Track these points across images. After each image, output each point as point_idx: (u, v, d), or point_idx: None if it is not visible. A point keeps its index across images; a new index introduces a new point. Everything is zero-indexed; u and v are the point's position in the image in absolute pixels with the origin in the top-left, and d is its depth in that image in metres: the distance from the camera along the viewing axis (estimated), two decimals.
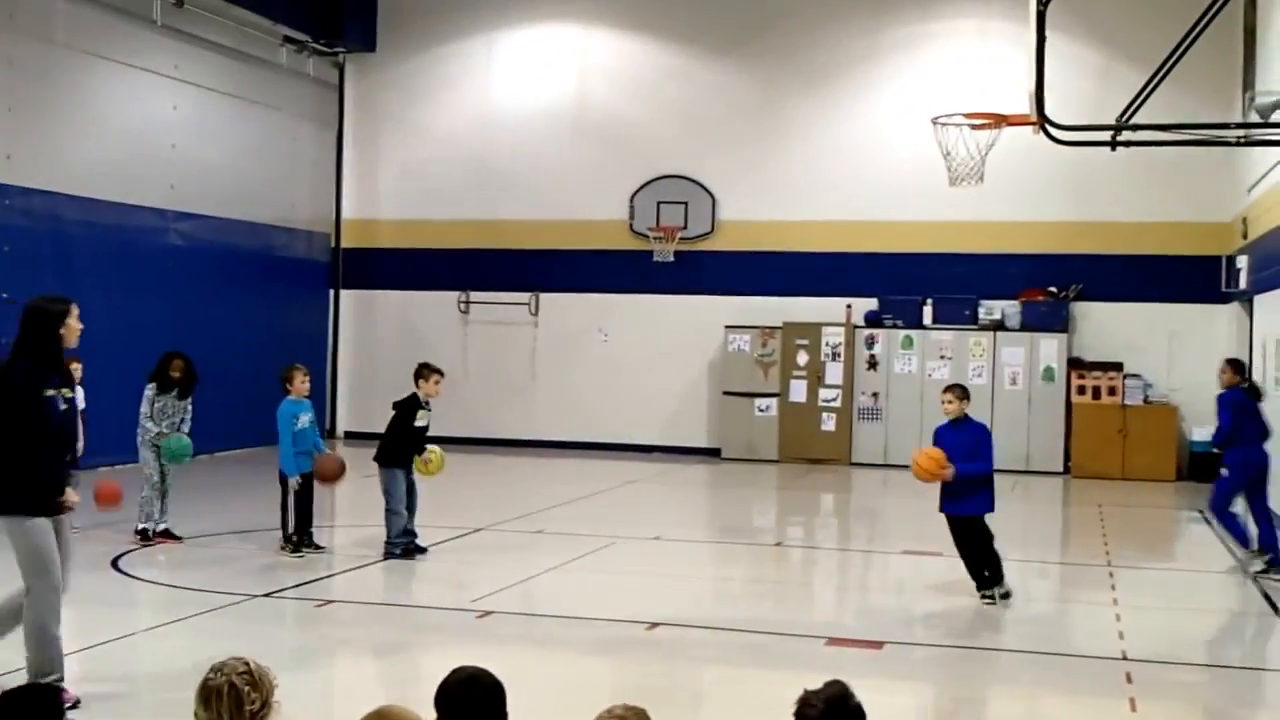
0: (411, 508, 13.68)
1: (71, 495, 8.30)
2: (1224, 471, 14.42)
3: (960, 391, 12.30)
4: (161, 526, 14.14)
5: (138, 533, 13.97)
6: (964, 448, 11.89)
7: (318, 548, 13.68)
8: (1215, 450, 14.77)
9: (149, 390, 14.13)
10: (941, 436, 12.21)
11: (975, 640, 10.97)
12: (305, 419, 13.56)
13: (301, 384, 13.73)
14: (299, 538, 13.50)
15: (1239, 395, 14.40)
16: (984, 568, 11.97)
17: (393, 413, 13.97)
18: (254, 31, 24.33)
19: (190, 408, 14.29)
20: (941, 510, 12.09)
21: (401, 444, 13.73)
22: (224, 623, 10.62)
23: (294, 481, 13.51)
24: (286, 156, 25.80)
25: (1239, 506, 14.51)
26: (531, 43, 26.33)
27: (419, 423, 13.79)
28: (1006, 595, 11.97)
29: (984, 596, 11.93)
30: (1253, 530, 14.32)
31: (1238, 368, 14.79)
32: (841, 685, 4.22)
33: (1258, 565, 13.80)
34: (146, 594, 12.03)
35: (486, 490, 20.09)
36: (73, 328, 8.44)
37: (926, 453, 12.03)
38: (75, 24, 20.49)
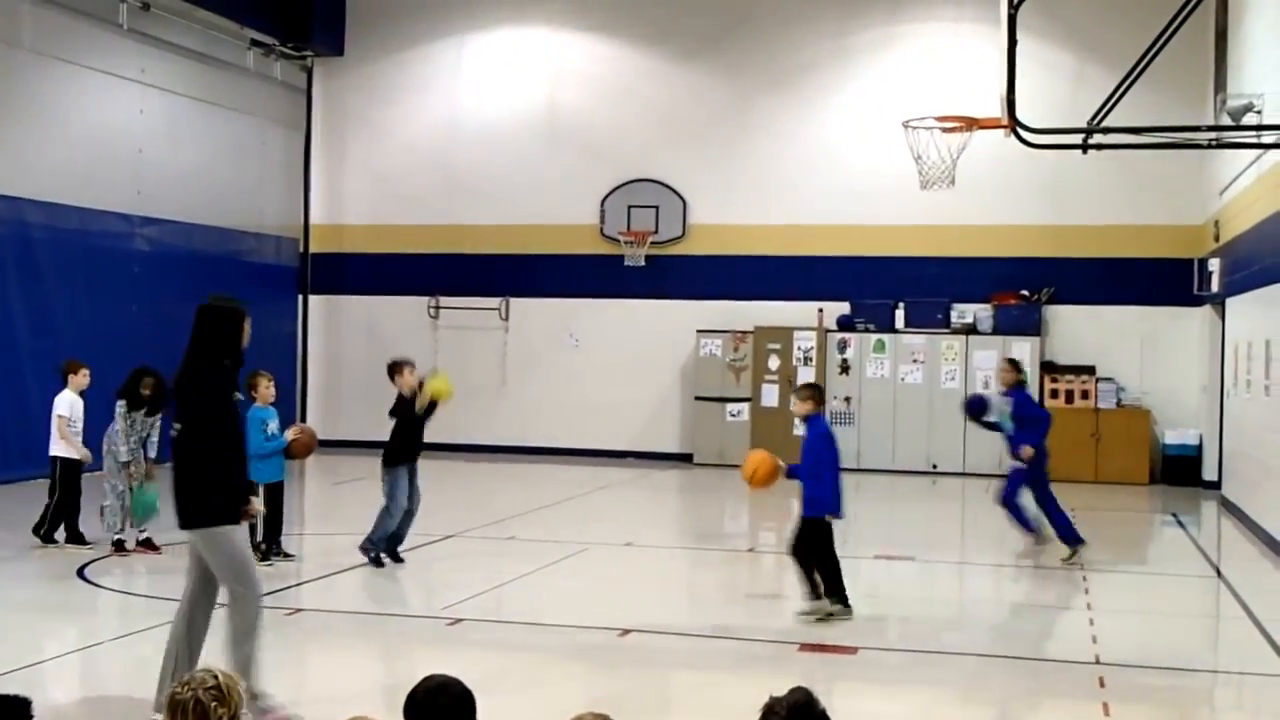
0: (412, 510, 13.59)
1: (256, 504, 8.26)
2: (1019, 465, 14.94)
3: (807, 391, 11.97)
4: (143, 536, 14.02)
5: (114, 544, 13.85)
6: (804, 447, 11.69)
7: (287, 556, 13.62)
8: (1012, 450, 15.19)
9: (120, 407, 13.98)
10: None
11: (949, 645, 10.98)
12: (273, 426, 13.48)
13: (266, 390, 13.65)
14: (268, 546, 13.44)
15: (1024, 393, 15.18)
16: (812, 575, 11.48)
17: (392, 421, 13.84)
18: (221, 35, 24.26)
19: (159, 423, 14.20)
20: None
21: (406, 443, 13.61)
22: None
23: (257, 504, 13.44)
24: (254, 161, 25.72)
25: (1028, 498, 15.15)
26: (501, 46, 26.31)
27: (419, 412, 13.70)
28: (828, 616, 11.34)
29: (802, 612, 11.46)
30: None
31: (1018, 367, 15.39)
32: (805, 691, 4.21)
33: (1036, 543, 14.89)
34: (113, 603, 11.96)
35: (457, 496, 20.04)
36: (247, 330, 8.39)
37: (752, 456, 11.88)
38: (40, 27, 20.40)
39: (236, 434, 8.05)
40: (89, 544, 14.00)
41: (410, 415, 13.70)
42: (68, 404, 14.18)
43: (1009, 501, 15.18)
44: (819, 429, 11.69)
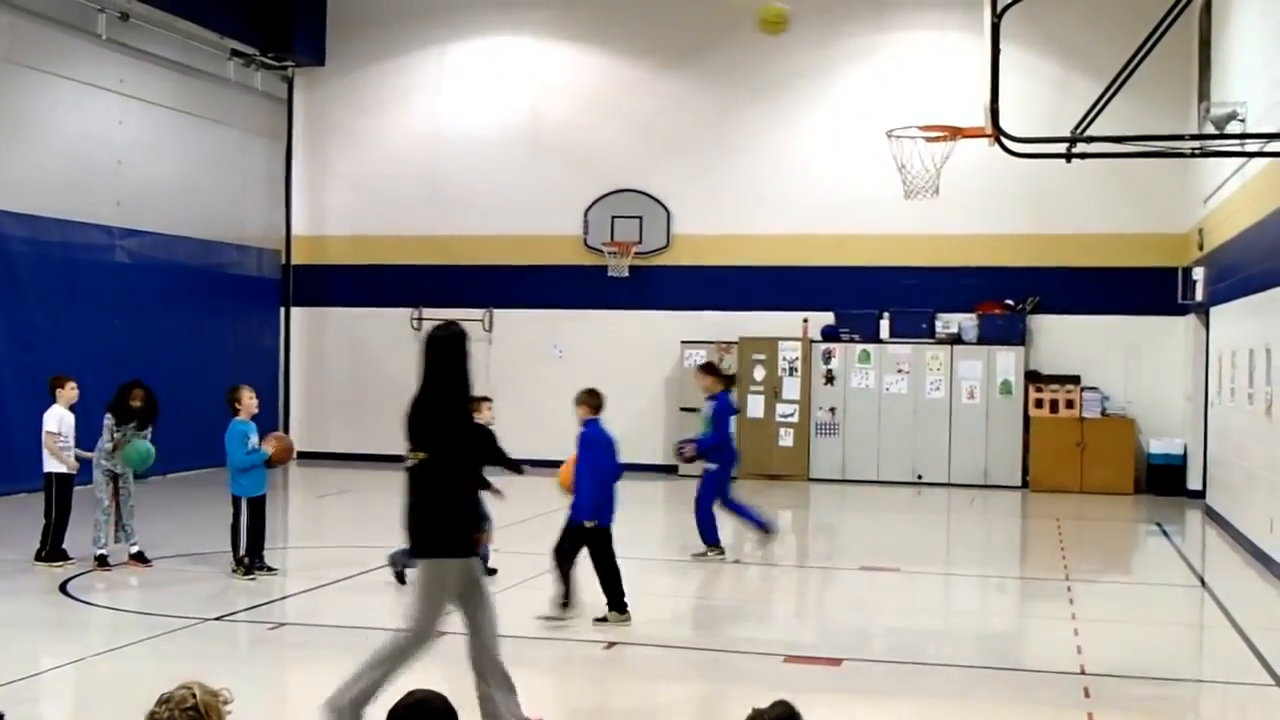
0: None
1: (488, 532, 8.14)
2: (711, 467, 15.43)
3: (583, 395, 12.37)
4: (135, 549, 14.00)
5: (96, 559, 13.81)
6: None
7: (270, 570, 13.62)
8: (701, 455, 15.66)
9: (108, 420, 13.98)
10: None
11: (934, 656, 11.03)
12: (254, 439, 13.48)
13: (250, 402, 13.65)
14: (251, 560, 13.43)
15: (727, 396, 15.61)
16: (568, 580, 11.70)
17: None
18: (201, 45, 24.27)
19: (149, 437, 14.18)
20: None
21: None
22: (174, 647, 10.56)
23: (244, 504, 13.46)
24: (235, 172, 25.72)
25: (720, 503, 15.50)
26: (483, 55, 26.35)
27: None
28: (602, 619, 11.54)
29: (597, 618, 11.59)
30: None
31: (718, 371, 15.75)
32: (788, 705, 4.25)
33: (713, 555, 15.19)
34: (97, 618, 11.95)
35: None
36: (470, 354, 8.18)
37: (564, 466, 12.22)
38: (18, 38, 20.39)
39: (475, 464, 8.10)
40: (70, 560, 13.96)
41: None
42: (56, 419, 14.10)
43: (728, 504, 15.53)
44: (586, 433, 12.12)
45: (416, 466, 7.86)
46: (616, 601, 11.65)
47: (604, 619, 11.58)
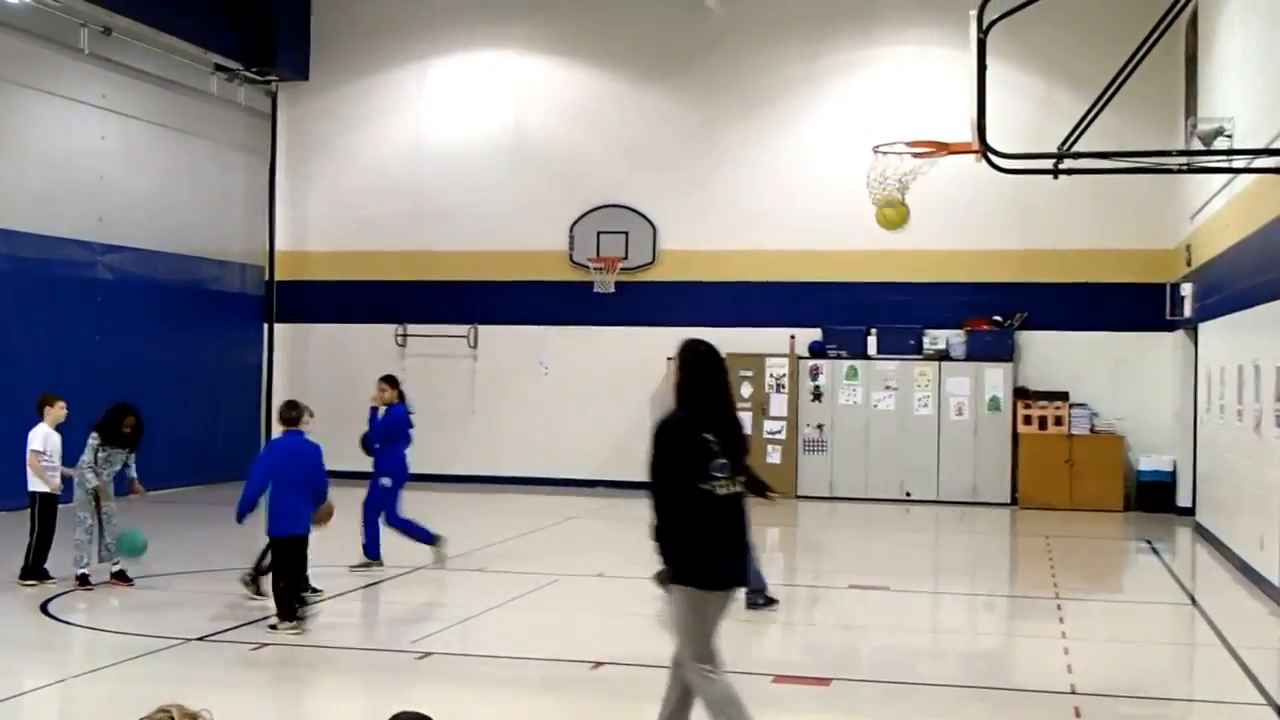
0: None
1: None
2: (386, 481, 15.35)
3: (285, 406, 12.66)
4: (116, 568, 13.93)
5: (77, 579, 13.72)
6: None
7: (314, 590, 13.41)
8: (367, 448, 15.70)
9: (93, 440, 13.89)
10: None
11: (923, 675, 11.03)
12: None
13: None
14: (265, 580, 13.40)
15: (403, 409, 15.62)
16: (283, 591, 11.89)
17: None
18: (184, 59, 24.26)
19: (133, 457, 14.13)
20: None
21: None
22: (156, 667, 10.52)
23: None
24: (218, 187, 25.70)
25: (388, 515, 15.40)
26: (466, 70, 26.37)
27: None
28: (273, 627, 11.74)
29: (269, 625, 11.79)
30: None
31: (395, 382, 15.82)
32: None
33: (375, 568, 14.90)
34: (77, 638, 11.91)
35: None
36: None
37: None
38: None
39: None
40: (51, 579, 13.90)
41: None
42: (41, 438, 14.01)
43: (394, 521, 15.39)
44: (282, 444, 12.43)
45: (740, 495, 7.64)
46: (290, 612, 11.78)
47: (275, 627, 11.73)
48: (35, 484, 13.99)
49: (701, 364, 7.72)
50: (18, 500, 14.51)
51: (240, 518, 11.90)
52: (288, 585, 11.86)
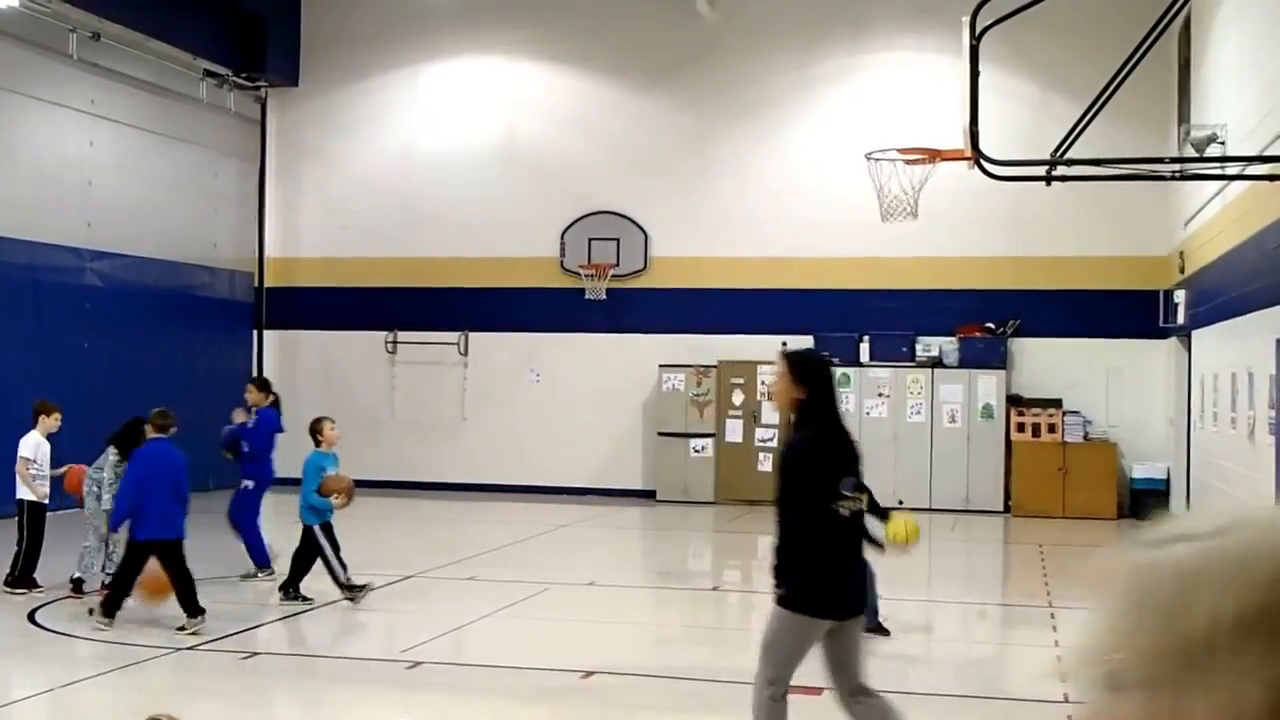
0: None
1: None
2: (249, 484, 15.20)
3: (159, 414, 12.70)
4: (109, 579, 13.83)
5: (72, 581, 13.65)
6: None
7: (305, 599, 13.48)
8: (227, 447, 15.51)
9: (111, 454, 13.70)
10: None
11: (916, 684, 11.03)
12: (331, 471, 13.54)
13: (331, 434, 13.78)
14: (293, 586, 13.40)
15: (273, 413, 15.48)
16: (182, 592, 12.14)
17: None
18: (173, 65, 24.24)
19: None
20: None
21: None
22: (145, 677, 10.51)
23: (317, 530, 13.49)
24: (207, 193, 25.68)
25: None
26: (457, 76, 26.38)
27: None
28: (182, 629, 11.95)
29: (178, 628, 11.94)
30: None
31: (266, 385, 15.64)
32: None
33: (264, 576, 14.70)
34: (65, 648, 11.88)
35: (416, 536, 20.00)
36: None
37: None
38: None
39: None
40: (39, 588, 13.85)
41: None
42: (32, 446, 13.97)
43: (243, 525, 15.11)
44: (147, 450, 12.58)
45: (862, 513, 7.58)
46: (194, 608, 11.96)
47: (184, 628, 11.88)
48: (23, 492, 13.95)
49: (821, 377, 7.45)
50: (6, 508, 14.48)
51: (115, 526, 12.33)
52: (186, 583, 12.03)
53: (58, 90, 21.70)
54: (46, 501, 14.04)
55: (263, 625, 12.93)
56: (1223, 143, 16.82)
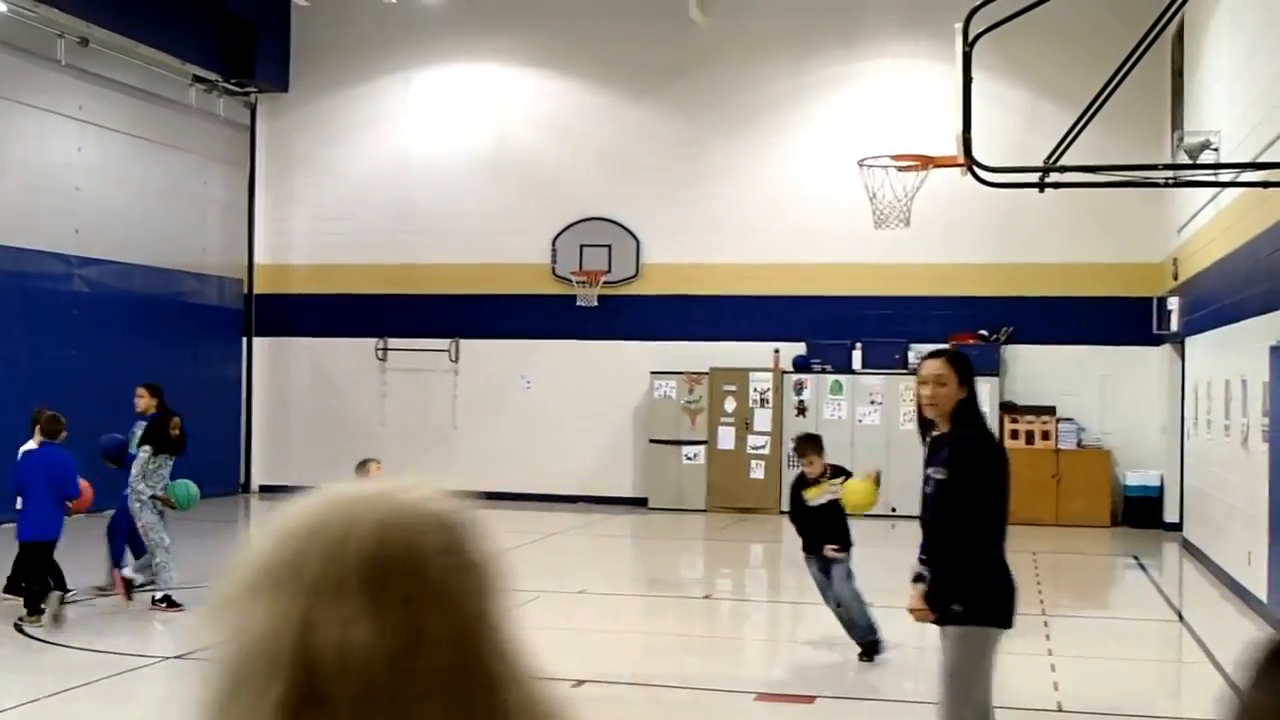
0: (839, 600, 12.19)
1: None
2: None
3: (50, 419, 12.93)
4: (161, 595, 13.53)
5: (160, 600, 13.33)
6: None
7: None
8: (107, 456, 14.88)
9: (143, 453, 13.58)
10: None
11: (909, 693, 11.02)
12: None
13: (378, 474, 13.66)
14: None
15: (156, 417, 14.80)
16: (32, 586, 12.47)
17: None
18: (162, 71, 24.21)
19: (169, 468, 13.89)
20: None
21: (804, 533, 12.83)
22: (133, 687, 10.48)
23: None
24: (196, 199, 25.65)
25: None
26: (449, 82, 26.37)
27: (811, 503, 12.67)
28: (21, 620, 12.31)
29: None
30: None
31: (158, 391, 14.74)
32: None
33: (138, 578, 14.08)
34: (51, 657, 11.82)
35: None
36: None
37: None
38: None
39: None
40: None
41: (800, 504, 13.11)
42: None
43: (117, 533, 14.68)
44: (39, 454, 12.96)
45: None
46: (35, 607, 12.39)
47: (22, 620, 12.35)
48: None
49: (973, 378, 7.09)
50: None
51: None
52: (35, 583, 12.50)
53: (45, 96, 21.66)
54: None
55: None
56: (1216, 149, 16.84)
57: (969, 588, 6.75)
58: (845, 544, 12.00)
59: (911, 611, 7.12)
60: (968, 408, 6.95)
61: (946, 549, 6.88)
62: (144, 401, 14.70)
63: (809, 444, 12.37)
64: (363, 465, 13.45)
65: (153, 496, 13.57)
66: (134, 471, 13.62)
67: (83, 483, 13.60)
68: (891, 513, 23.57)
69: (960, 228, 23.45)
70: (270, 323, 27.04)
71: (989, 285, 23.99)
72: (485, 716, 1.43)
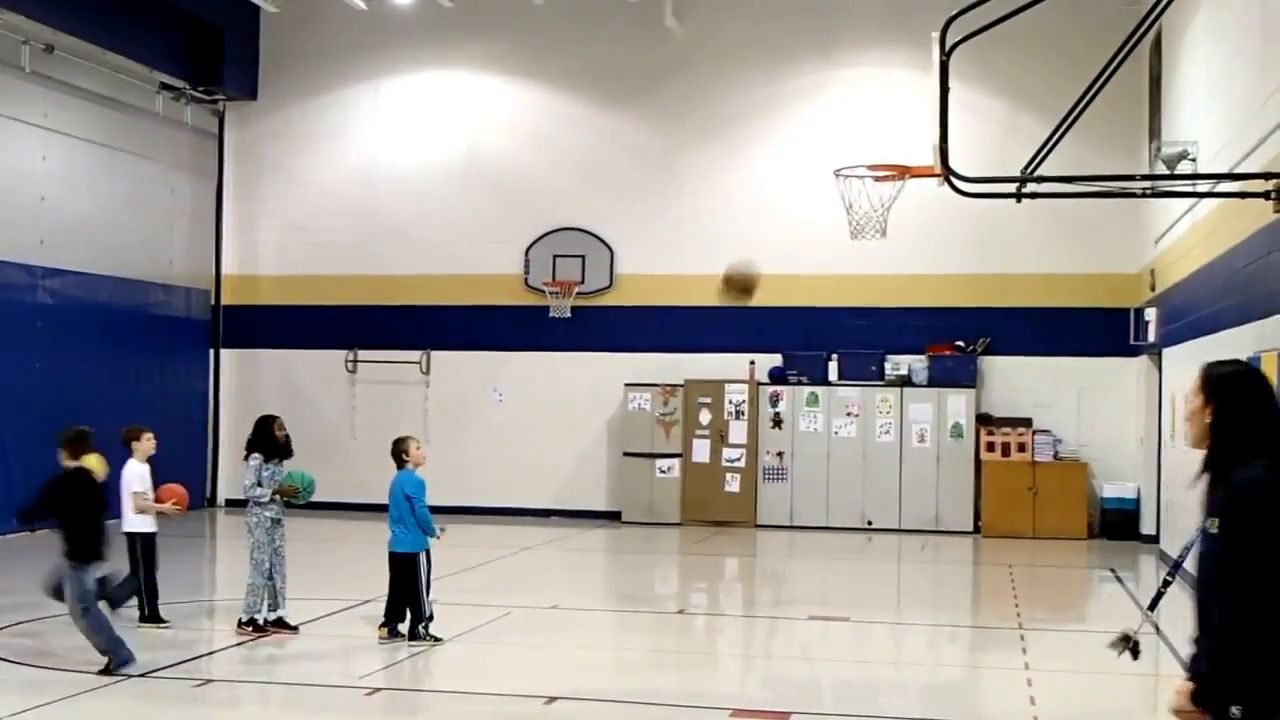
0: None
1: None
2: None
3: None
4: (275, 615, 13.30)
5: (246, 624, 13.14)
6: None
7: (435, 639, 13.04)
8: None
9: (254, 461, 13.34)
10: None
11: (885, 708, 11.02)
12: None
13: (418, 453, 13.69)
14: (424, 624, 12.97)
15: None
16: None
17: None
18: (128, 78, 24.14)
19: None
20: None
21: None
22: (95, 705, 10.40)
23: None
24: (163, 209, 25.55)
25: None
26: (420, 90, 26.34)
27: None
28: None
29: None
30: None
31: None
32: None
33: None
34: (11, 675, 11.73)
35: (375, 559, 19.83)
36: None
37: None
38: None
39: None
40: (166, 623, 13.48)
41: None
42: (139, 476, 13.64)
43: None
44: None
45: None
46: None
47: None
48: (135, 524, 13.54)
49: (1241, 395, 5.49)
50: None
51: None
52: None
53: (10, 104, 21.56)
54: (155, 530, 13.70)
55: (218, 651, 12.83)
56: (1194, 159, 16.92)
57: (1254, 683, 5.00)
58: None
59: (1176, 715, 5.25)
60: (1242, 433, 5.32)
61: (1222, 629, 5.17)
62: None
63: None
64: (401, 442, 13.41)
65: (275, 492, 13.33)
66: (248, 481, 13.35)
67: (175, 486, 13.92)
68: (868, 525, 23.64)
69: (937, 238, 23.52)
70: (238, 334, 26.94)
71: (966, 296, 24.05)
72: None
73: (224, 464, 26.78)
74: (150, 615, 13.50)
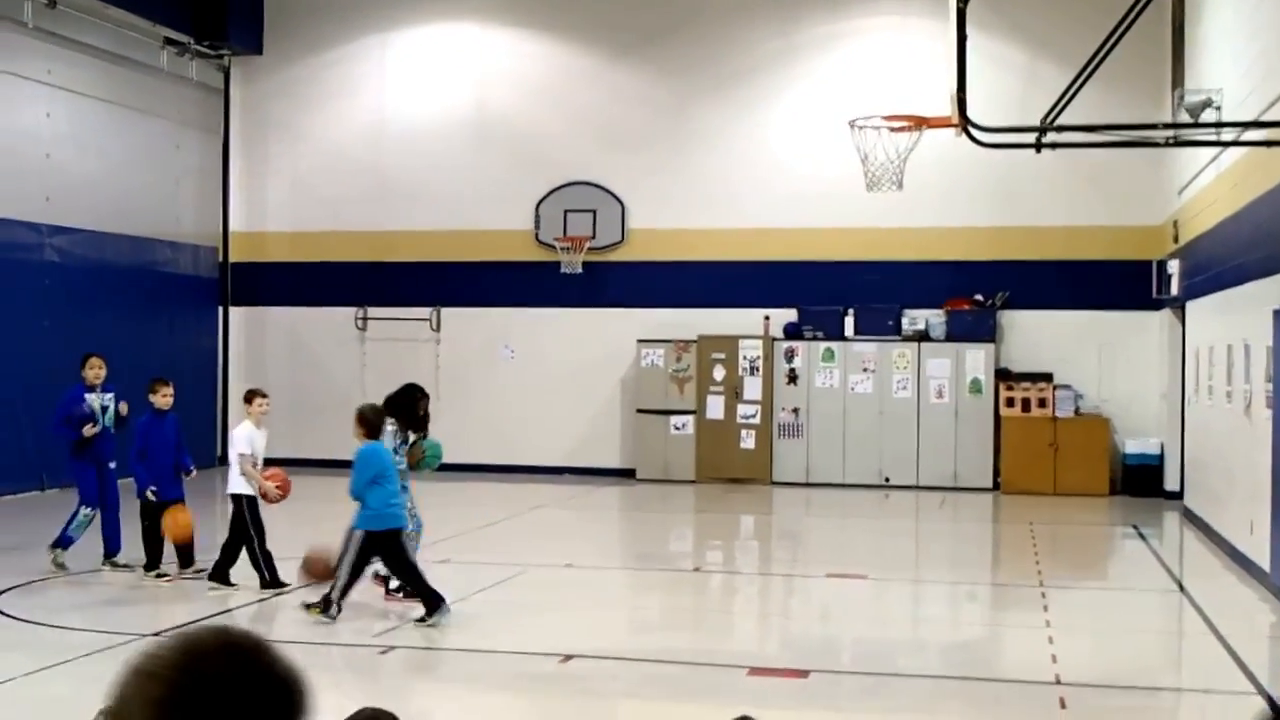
0: None
1: None
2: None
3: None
4: (395, 585, 13.12)
5: (395, 590, 12.99)
6: None
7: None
8: None
9: (390, 426, 13.18)
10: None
11: (904, 667, 11.05)
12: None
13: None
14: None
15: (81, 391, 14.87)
16: None
17: None
18: (132, 33, 24.08)
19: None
20: None
21: None
22: (106, 666, 10.45)
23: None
24: (169, 166, 25.53)
25: None
26: (428, 43, 26.25)
27: None
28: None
29: None
30: None
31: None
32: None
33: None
34: (27, 635, 11.79)
35: None
36: None
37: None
38: None
39: None
40: (234, 585, 13.46)
41: None
42: (246, 439, 13.64)
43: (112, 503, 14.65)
44: None
45: None
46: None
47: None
48: (239, 486, 13.54)
49: None
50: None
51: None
52: None
53: (13, 60, 21.52)
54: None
55: (233, 609, 12.89)
56: (1218, 108, 16.83)
57: None
58: None
59: None
60: None
61: None
62: (96, 372, 14.53)
63: None
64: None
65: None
66: (394, 456, 13.09)
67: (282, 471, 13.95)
68: (885, 483, 23.64)
69: (955, 190, 23.43)
70: (246, 292, 26.96)
71: (985, 249, 23.97)
72: None
73: (233, 421, 26.75)
74: (274, 581, 13.38)
